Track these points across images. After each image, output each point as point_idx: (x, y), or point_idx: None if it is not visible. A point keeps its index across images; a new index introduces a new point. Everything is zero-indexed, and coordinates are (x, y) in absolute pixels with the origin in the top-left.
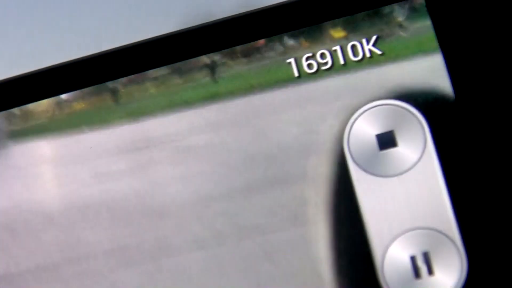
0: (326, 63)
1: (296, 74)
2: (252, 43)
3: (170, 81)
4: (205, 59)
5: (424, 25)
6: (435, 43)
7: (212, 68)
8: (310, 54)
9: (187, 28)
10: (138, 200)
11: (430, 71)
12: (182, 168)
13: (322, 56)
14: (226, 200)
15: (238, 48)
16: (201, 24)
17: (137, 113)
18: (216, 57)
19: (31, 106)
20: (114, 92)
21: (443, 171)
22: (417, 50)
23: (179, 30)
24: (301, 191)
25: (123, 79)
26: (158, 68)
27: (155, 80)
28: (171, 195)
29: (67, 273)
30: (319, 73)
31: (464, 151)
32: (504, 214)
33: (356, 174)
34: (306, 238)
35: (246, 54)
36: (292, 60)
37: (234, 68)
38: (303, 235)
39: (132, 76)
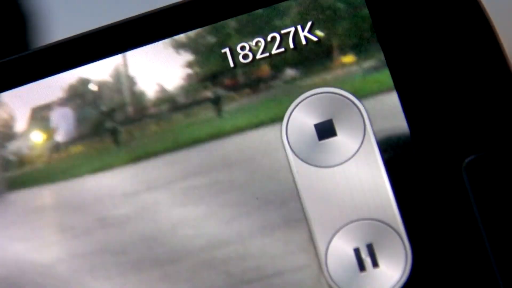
0: (262, 52)
1: (232, 65)
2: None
3: (171, 118)
4: (207, 93)
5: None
6: (373, 34)
7: (215, 102)
8: (244, 44)
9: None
10: (146, 245)
11: (369, 57)
12: (189, 210)
13: (257, 44)
14: (237, 242)
15: (242, 80)
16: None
17: (138, 155)
18: (220, 91)
19: (27, 150)
20: (113, 133)
21: (384, 160)
22: (355, 37)
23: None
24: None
25: (122, 118)
26: (158, 106)
27: (156, 118)
28: (180, 239)
29: None
30: (255, 62)
31: (405, 139)
32: (447, 202)
33: (296, 166)
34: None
35: (250, 86)
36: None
37: (239, 101)
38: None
39: (131, 115)
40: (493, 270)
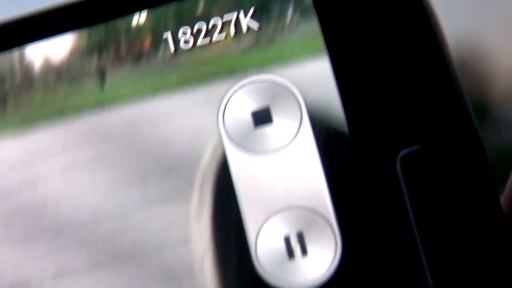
0: (203, 38)
1: (172, 50)
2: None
3: (58, 88)
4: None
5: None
6: (315, 17)
7: (101, 73)
8: (187, 29)
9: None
10: (31, 218)
11: (309, 46)
12: (73, 184)
13: (199, 31)
14: (119, 217)
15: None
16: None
17: (24, 124)
18: (103, 62)
19: None
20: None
21: (319, 149)
22: (295, 25)
23: None
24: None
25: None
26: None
27: (43, 87)
28: (63, 212)
29: None
30: (196, 49)
31: (341, 128)
32: (380, 195)
33: (232, 153)
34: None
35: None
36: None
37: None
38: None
39: (19, 82)
40: (422, 265)
